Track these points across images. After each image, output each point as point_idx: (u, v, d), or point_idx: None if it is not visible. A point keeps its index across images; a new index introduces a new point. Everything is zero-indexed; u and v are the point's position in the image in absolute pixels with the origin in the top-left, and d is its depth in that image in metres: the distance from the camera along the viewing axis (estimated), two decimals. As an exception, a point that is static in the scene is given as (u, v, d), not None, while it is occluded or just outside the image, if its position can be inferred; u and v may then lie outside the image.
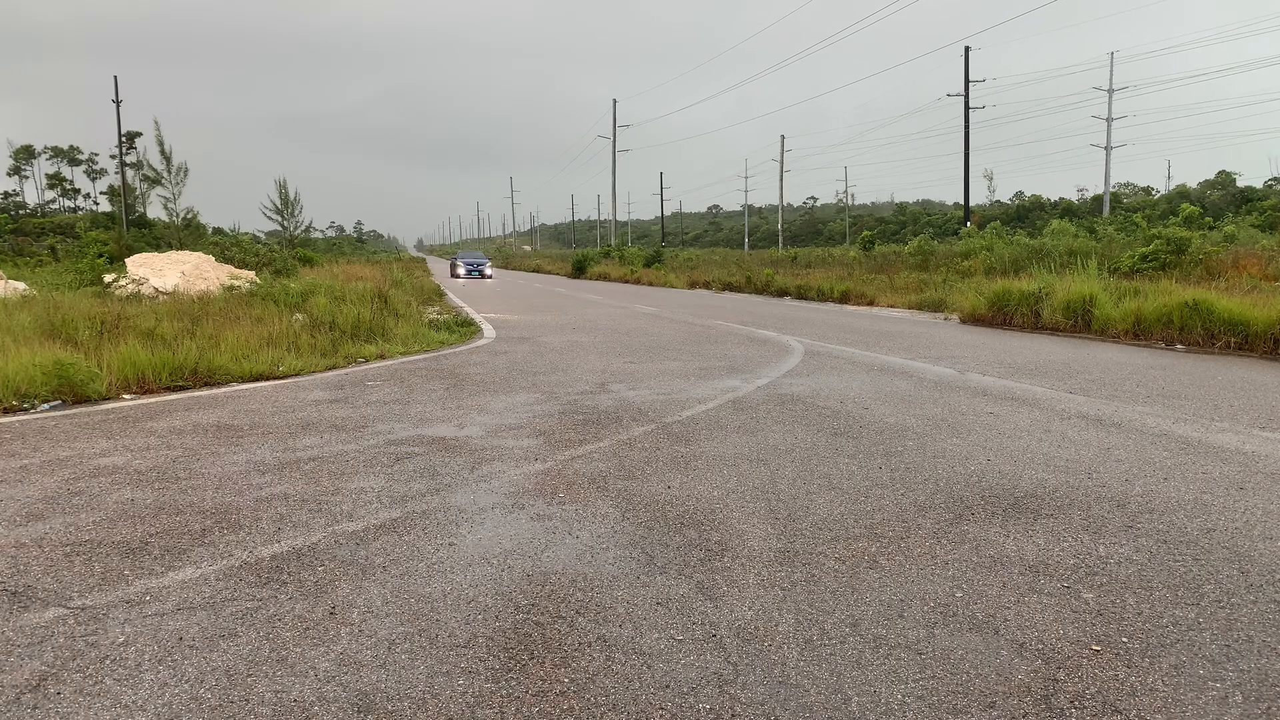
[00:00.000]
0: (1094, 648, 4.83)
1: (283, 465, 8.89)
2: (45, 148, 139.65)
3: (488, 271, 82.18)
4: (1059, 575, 5.86)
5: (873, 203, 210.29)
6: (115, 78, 77.93)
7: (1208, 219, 64.25)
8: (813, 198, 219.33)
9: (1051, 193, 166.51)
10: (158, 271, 29.00)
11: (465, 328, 23.62)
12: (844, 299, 37.72)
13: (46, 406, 12.17)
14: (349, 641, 4.93)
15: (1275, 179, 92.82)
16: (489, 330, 23.78)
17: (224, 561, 6.20)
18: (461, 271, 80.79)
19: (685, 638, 4.95)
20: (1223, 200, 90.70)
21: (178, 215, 56.29)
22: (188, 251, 34.21)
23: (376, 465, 8.86)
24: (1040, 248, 38.59)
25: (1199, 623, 5.13)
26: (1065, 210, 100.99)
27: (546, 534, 6.75)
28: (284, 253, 49.87)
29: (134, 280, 27.60)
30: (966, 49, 68.66)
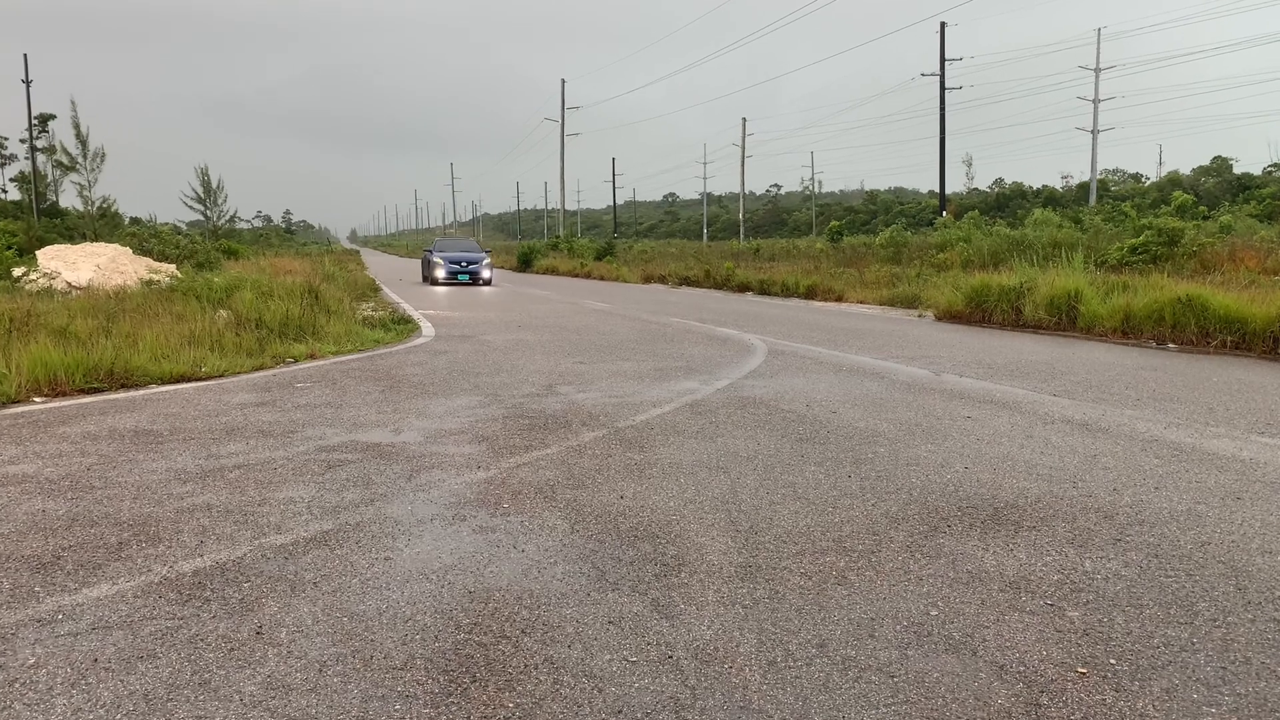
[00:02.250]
0: (1080, 670, 4.85)
1: (206, 473, 8.84)
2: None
3: (485, 274, 51.16)
4: (1042, 592, 5.89)
5: (841, 191, 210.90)
6: (25, 56, 77.66)
7: (1202, 208, 64.60)
8: (776, 185, 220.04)
9: (1034, 180, 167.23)
10: (71, 265, 28.88)
11: (402, 325, 23.60)
12: (810, 294, 37.92)
13: (-54, 410, 12.05)
14: (277, 663, 4.91)
15: (1275, 165, 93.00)
16: (428, 328, 23.76)
17: (142, 577, 6.16)
18: (442, 274, 51.08)
19: (639, 659, 4.96)
20: (1218, 188, 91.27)
21: (93, 204, 56.14)
22: (103, 243, 34.10)
23: (307, 473, 8.84)
24: (1021, 239, 38.81)
25: (1193, 643, 5.16)
26: (1049, 199, 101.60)
27: (490, 547, 6.74)
28: (207, 245, 49.76)
29: (45, 274, 27.44)
30: (942, 25, 69.24)
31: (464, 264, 50.92)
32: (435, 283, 50.39)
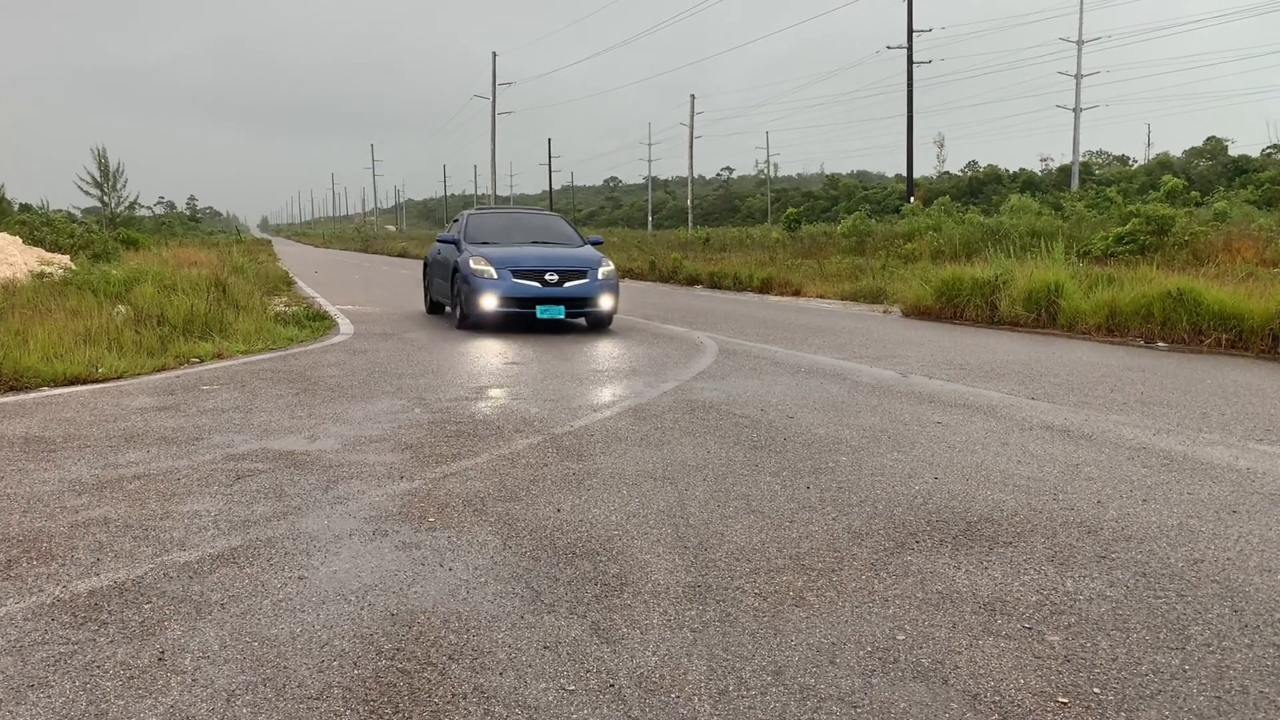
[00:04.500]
0: (1060, 700, 4.88)
1: (102, 484, 8.79)
2: None
3: (606, 303, 23.15)
4: (1019, 614, 5.92)
5: (799, 175, 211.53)
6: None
7: (1195, 193, 64.75)
8: (728, 169, 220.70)
9: (1010, 163, 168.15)
10: (-50, 256, 28.65)
11: (318, 322, 23.52)
12: (765, 288, 37.95)
13: None
14: (181, 692, 4.89)
15: (1275, 146, 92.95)
16: (346, 325, 23.79)
17: (33, 598, 6.13)
18: (493, 303, 22.50)
19: (578, 688, 4.96)
20: (1212, 171, 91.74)
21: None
22: (-11, 233, 33.83)
23: (213, 484, 8.79)
24: (997, 228, 39.05)
25: (1184, 670, 5.20)
26: (1026, 183, 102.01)
27: (414, 565, 6.74)
28: (104, 234, 49.42)
29: (-77, 267, 27.23)
30: (911, -9, 69.11)
31: (552, 275, 22.80)
32: (472, 321, 23.28)
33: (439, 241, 26.44)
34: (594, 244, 26.09)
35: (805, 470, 9.31)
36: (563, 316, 22.32)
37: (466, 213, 27.15)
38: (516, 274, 22.32)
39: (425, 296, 28.77)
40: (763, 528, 7.56)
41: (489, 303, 22.22)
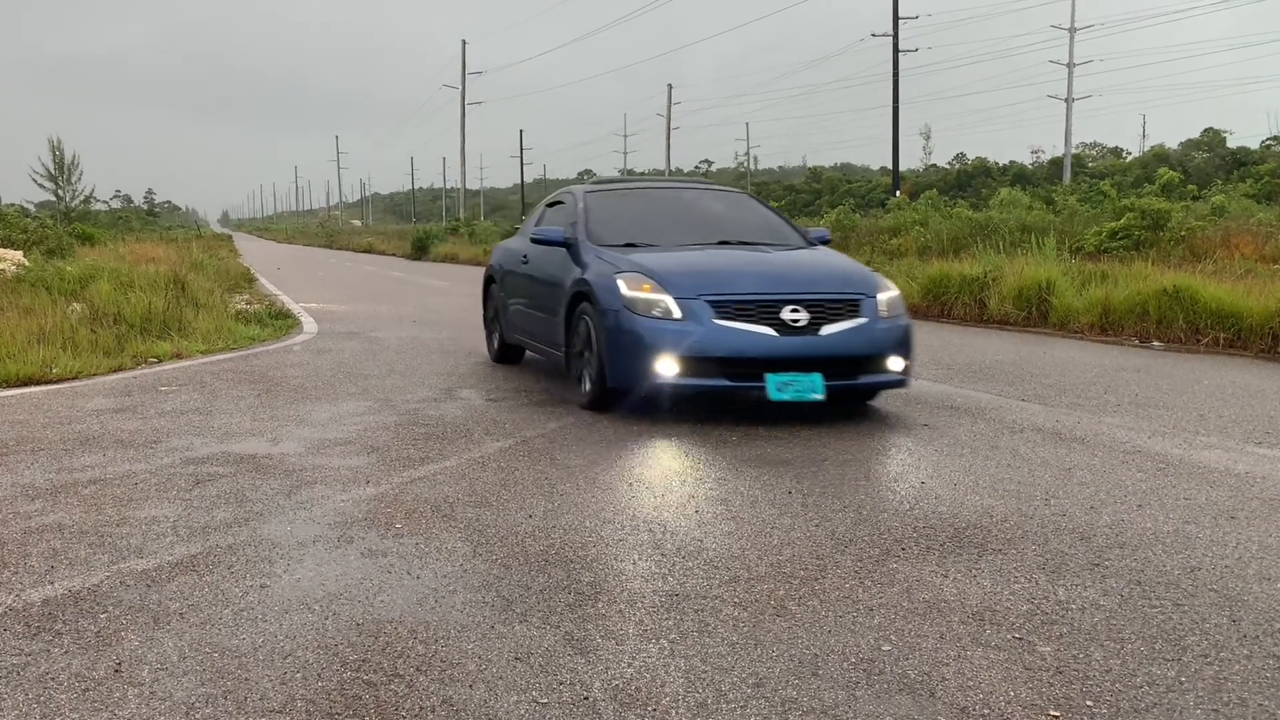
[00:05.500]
0: (1052, 713, 4.88)
1: (57, 489, 8.79)
2: None
3: (895, 361, 12.18)
4: (1009, 624, 5.93)
5: (780, 167, 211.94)
6: None
7: (1191, 187, 64.88)
8: (707, 161, 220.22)
9: (1000, 155, 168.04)
10: (-104, 252, 28.60)
11: (280, 320, 23.50)
12: (749, 286, 37.56)
13: None
14: (138, 705, 4.88)
15: (1274, 138, 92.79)
16: (309, 323, 23.69)
17: (-20, 609, 6.12)
18: (675, 367, 11.52)
19: (550, 701, 4.95)
20: (1210, 164, 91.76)
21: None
22: (-63, 227, 33.76)
23: (172, 489, 8.80)
24: (986, 222, 38.91)
25: (1180, 682, 5.20)
26: (1017, 176, 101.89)
27: (380, 573, 6.74)
28: (59, 229, 49.25)
29: None
30: (897, -22, 69.14)
31: (796, 312, 11.82)
32: (632, 396, 12.29)
33: (533, 241, 15.03)
34: (821, 241, 14.95)
35: (787, 475, 9.33)
36: (821, 397, 11.54)
37: (580, 190, 15.80)
38: (722, 309, 11.81)
39: (491, 332, 17.64)
40: (742, 534, 7.57)
41: (669, 367, 11.66)
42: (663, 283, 11.94)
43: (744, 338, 11.52)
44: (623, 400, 12.29)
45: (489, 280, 17.71)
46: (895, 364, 12.17)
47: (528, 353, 16.77)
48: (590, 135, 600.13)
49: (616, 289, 12.13)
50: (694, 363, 11.53)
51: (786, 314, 11.61)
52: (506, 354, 16.93)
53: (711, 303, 11.65)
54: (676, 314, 11.66)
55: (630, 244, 13.54)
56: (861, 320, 11.96)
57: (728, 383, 11.63)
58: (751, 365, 11.51)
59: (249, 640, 5.64)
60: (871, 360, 12.00)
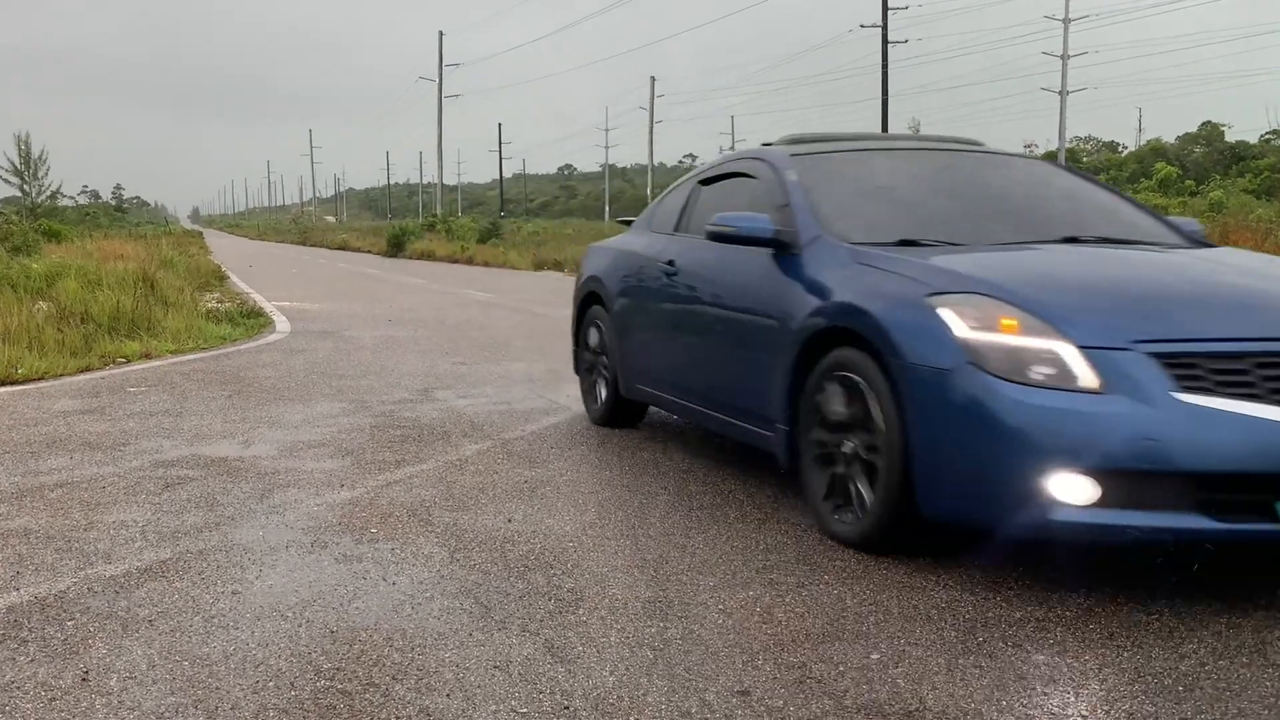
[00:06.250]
0: None
1: (22, 493, 8.75)
2: None
3: None
4: (1000, 634, 5.89)
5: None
6: None
7: (1189, 182, 65.05)
8: (691, 155, 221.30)
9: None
10: None
11: (252, 319, 23.42)
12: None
13: None
14: (106, 714, 4.83)
15: (1274, 132, 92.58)
16: (282, 322, 23.56)
17: (-56, 616, 6.08)
18: (1094, 491, 5.81)
19: (530, 710, 4.91)
20: (1208, 158, 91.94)
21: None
22: (-103, 224, 33.67)
23: (141, 493, 8.74)
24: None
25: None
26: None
27: (355, 579, 6.70)
28: (24, 225, 49.15)
29: None
30: (884, -34, 69.00)
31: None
32: (1003, 537, 6.44)
33: (711, 238, 9.02)
34: (1201, 242, 8.93)
35: (773, 478, 9.32)
36: None
37: (781, 153, 9.49)
38: (1187, 371, 5.98)
39: (595, 381, 11.92)
40: (728, 538, 7.56)
41: (1077, 488, 5.92)
42: (1043, 314, 6.35)
43: (1243, 429, 5.84)
44: (983, 541, 6.72)
45: (589, 300, 12.25)
46: None
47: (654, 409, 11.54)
48: (571, 128, 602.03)
49: (939, 326, 6.54)
50: (1134, 481, 5.93)
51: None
52: (622, 412, 11.42)
53: (1161, 357, 6.03)
54: (1089, 380, 6.04)
55: (905, 241, 8.00)
56: None
57: (1210, 522, 5.82)
58: (1260, 485, 5.90)
59: (220, 648, 5.59)
60: None
